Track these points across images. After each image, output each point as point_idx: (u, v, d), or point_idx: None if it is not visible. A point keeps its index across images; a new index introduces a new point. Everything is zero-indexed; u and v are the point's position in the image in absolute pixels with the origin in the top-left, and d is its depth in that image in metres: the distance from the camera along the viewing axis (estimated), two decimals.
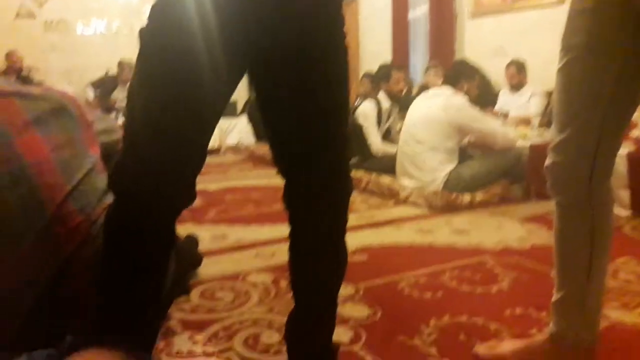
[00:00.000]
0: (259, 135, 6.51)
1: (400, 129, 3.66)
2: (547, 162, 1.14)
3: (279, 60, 0.96)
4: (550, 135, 1.18)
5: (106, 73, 6.05)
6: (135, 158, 0.94)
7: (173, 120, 0.92)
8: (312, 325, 1.12)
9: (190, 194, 0.99)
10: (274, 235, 2.34)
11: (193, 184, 0.99)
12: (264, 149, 5.54)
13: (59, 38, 6.28)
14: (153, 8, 0.93)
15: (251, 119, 6.46)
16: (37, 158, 1.18)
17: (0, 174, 1.12)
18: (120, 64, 5.71)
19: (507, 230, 2.47)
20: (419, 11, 6.26)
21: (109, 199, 1.06)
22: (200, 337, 1.40)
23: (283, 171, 1.07)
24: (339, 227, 1.10)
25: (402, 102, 4.03)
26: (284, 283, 1.78)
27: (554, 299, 1.21)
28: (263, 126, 1.06)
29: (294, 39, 0.95)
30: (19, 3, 6.09)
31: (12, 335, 1.13)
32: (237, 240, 2.36)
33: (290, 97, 0.98)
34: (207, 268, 1.93)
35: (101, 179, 1.27)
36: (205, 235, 2.35)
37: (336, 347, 1.17)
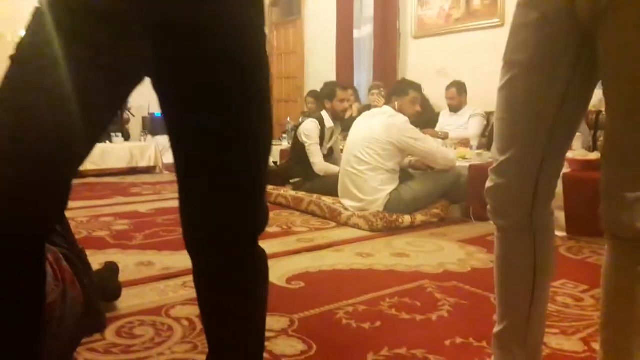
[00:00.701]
0: None
1: (342, 149, 3.61)
2: (488, 184, 1.08)
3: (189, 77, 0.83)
4: (491, 156, 1.12)
5: None
6: None
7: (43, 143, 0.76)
8: None
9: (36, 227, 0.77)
10: None
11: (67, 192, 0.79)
12: None
13: None
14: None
15: None
16: None
17: None
18: None
19: (447, 252, 2.44)
20: (364, 30, 6.31)
21: None
22: None
23: (187, 194, 0.94)
24: (246, 266, 0.96)
25: (345, 122, 3.98)
26: None
27: (495, 330, 1.15)
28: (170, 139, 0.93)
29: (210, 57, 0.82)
30: None
31: None
32: (164, 268, 2.18)
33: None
34: (128, 300, 1.76)
35: None
36: (130, 262, 2.16)
37: None
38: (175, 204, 2.74)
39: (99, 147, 4.95)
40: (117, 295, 1.71)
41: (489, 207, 1.10)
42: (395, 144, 2.95)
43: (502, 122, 1.05)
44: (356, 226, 2.88)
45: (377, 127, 2.99)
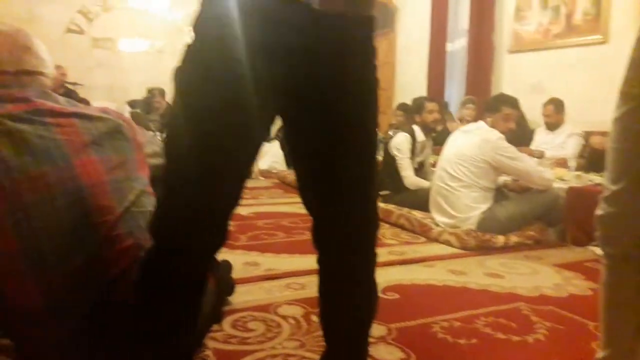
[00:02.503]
0: (289, 162, 6.58)
1: (433, 163, 3.65)
2: (599, 212, 1.12)
3: (309, 96, 0.98)
4: (604, 184, 1.15)
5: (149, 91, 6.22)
6: (179, 203, 0.97)
7: (223, 160, 0.94)
8: None
9: (225, 236, 1.03)
10: (304, 267, 2.34)
11: (228, 225, 1.02)
12: (294, 176, 5.57)
13: (104, 55, 6.51)
14: (189, 49, 0.96)
15: (283, 146, 6.54)
16: (93, 180, 1.21)
17: (57, 194, 1.16)
18: (151, 91, 5.87)
19: (543, 276, 2.41)
20: (458, 44, 6.28)
21: None
22: None
23: (311, 209, 1.09)
24: (369, 266, 1.10)
25: (437, 137, 4.01)
26: (315, 318, 1.77)
27: (598, 356, 1.17)
28: (291, 160, 1.09)
29: (326, 74, 0.96)
30: (69, 18, 6.34)
31: (60, 346, 1.16)
32: (268, 269, 2.36)
33: (320, 132, 1.00)
34: (239, 296, 1.94)
35: (150, 202, 1.29)
36: (238, 261, 2.36)
37: None
38: (273, 209, 2.99)
39: None
40: (232, 290, 1.89)
41: (598, 234, 1.14)
42: (489, 162, 2.95)
43: (617, 152, 1.09)
44: (447, 243, 2.92)
45: (471, 143, 3.01)
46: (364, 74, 1.01)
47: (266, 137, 1.03)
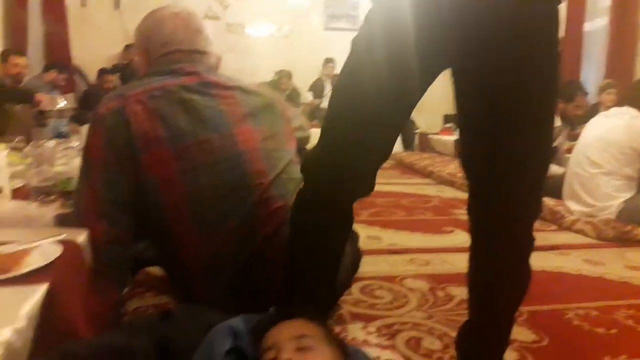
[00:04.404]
0: (406, 144, 6.55)
1: (568, 149, 3.42)
2: None
3: (490, 70, 0.94)
4: None
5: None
6: (329, 148, 1.04)
7: (373, 113, 0.99)
8: (488, 340, 1.12)
9: (370, 185, 1.08)
10: (428, 245, 2.35)
11: (374, 176, 1.07)
12: (412, 158, 5.55)
13: (235, 39, 6.92)
14: (368, 15, 1.01)
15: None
16: (249, 147, 1.34)
17: (220, 158, 1.30)
18: (279, 73, 6.13)
19: None
20: (597, 23, 5.76)
21: None
22: (371, 328, 1.47)
23: (472, 180, 1.07)
24: (525, 248, 1.07)
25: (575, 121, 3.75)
26: (441, 293, 1.79)
27: None
28: (459, 126, 1.08)
29: (510, 47, 0.92)
30: (206, 5, 6.82)
31: (213, 299, 1.30)
32: (391, 244, 2.41)
33: (500, 105, 0.95)
34: (365, 266, 1.99)
35: (297, 170, 1.39)
36: (361, 234, 2.42)
37: None
38: (391, 188, 3.01)
39: None
40: (359, 258, 1.96)
41: None
42: (636, 150, 2.71)
43: None
44: (581, 232, 2.74)
45: (617, 129, 2.77)
46: (550, 39, 0.95)
47: (420, 97, 1.04)
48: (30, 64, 4.40)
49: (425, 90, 1.03)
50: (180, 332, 1.00)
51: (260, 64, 6.71)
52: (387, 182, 4.25)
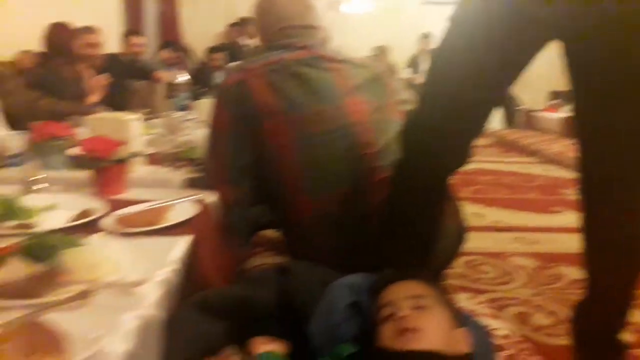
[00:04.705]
0: (509, 121, 6.25)
1: None
2: None
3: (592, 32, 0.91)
4: None
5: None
6: (425, 119, 1.06)
7: (471, 87, 0.99)
8: (605, 320, 1.09)
9: (465, 157, 1.09)
10: (536, 223, 2.28)
11: (469, 148, 1.08)
12: (515, 135, 5.30)
13: (332, 16, 6.94)
14: None
15: (503, 105, 6.22)
16: (358, 118, 1.37)
17: (332, 128, 1.35)
18: (376, 49, 6.07)
19: None
20: None
21: None
22: (478, 300, 1.47)
23: (587, 158, 1.04)
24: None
25: None
26: (549, 272, 1.73)
27: None
28: (572, 103, 1.05)
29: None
30: None
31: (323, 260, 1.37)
32: (495, 221, 2.36)
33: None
34: (469, 241, 1.98)
35: None
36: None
37: (624, 345, 1.11)
38: (492, 166, 2.89)
39: None
40: (464, 230, 1.95)
41: None
42: None
43: None
44: None
45: None
46: None
47: (519, 72, 1.02)
48: (147, 43, 4.75)
49: (524, 65, 1.02)
50: (298, 286, 1.07)
51: (358, 40, 6.69)
52: (488, 159, 4.12)
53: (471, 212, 2.48)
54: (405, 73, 6.66)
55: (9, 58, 3.27)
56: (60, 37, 2.88)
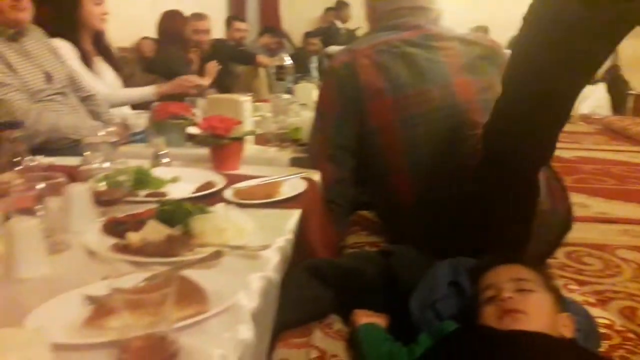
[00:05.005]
0: (617, 107, 5.80)
1: None
2: None
3: None
4: None
5: None
6: (507, 119, 1.04)
7: (552, 81, 0.95)
8: None
9: (550, 152, 1.08)
10: None
11: (555, 143, 1.06)
12: (624, 122, 4.91)
13: None
14: None
15: (611, 89, 5.78)
16: (466, 98, 1.37)
17: (438, 108, 1.36)
18: (475, 29, 5.85)
19: None
20: None
21: None
22: (581, 291, 1.43)
23: None
24: None
25: None
26: None
27: None
28: None
29: None
30: None
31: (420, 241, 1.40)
32: (600, 213, 2.24)
33: None
34: (571, 232, 1.91)
35: None
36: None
37: None
38: (598, 155, 2.73)
39: None
40: (572, 217, 1.87)
41: None
42: None
43: None
44: None
45: None
46: None
47: (603, 60, 0.97)
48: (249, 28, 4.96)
49: (609, 53, 0.96)
50: (401, 266, 1.12)
51: (455, 20, 6.50)
52: (593, 147, 3.88)
53: (574, 202, 2.37)
54: (507, 55, 6.39)
55: (130, 44, 3.58)
56: (174, 24, 3.10)
